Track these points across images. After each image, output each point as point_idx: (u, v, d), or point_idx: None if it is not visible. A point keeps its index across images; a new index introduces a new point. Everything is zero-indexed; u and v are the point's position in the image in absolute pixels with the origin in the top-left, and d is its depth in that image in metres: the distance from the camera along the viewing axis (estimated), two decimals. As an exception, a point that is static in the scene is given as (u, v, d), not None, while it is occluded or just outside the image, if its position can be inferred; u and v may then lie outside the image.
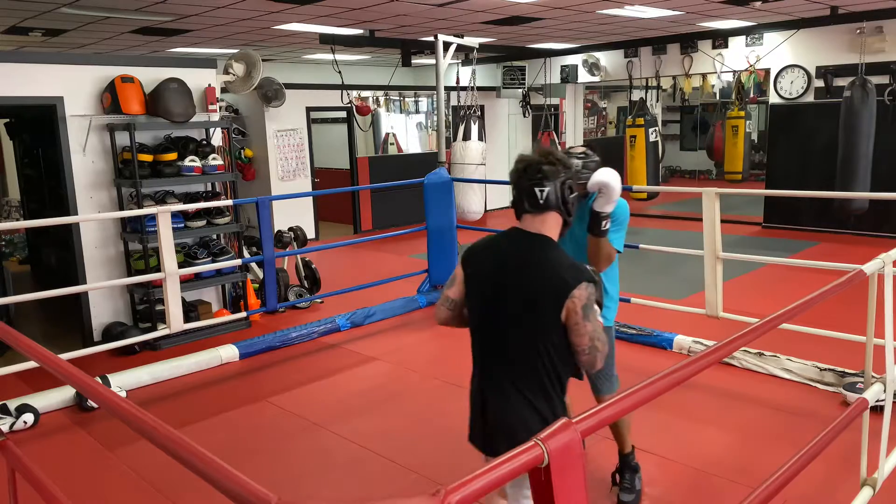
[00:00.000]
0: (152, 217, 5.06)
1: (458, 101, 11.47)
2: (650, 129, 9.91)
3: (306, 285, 6.80)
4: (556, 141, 11.31)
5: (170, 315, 4.82)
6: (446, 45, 6.98)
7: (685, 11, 8.19)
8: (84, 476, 3.63)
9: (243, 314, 5.91)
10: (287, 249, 6.74)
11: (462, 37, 7.80)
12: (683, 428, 3.93)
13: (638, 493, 3.23)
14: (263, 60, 7.34)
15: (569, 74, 11.82)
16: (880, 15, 8.39)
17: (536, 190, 2.16)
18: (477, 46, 7.73)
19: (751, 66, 9.95)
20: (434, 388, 4.66)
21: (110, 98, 5.26)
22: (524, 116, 12.81)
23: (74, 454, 3.87)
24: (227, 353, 5.21)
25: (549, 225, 2.20)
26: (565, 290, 2.06)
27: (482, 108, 9.88)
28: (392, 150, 12.46)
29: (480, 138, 7.91)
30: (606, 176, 2.72)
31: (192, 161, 5.55)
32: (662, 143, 10.90)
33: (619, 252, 2.96)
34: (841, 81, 8.72)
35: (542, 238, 2.18)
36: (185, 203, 5.58)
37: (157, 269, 5.13)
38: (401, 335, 5.85)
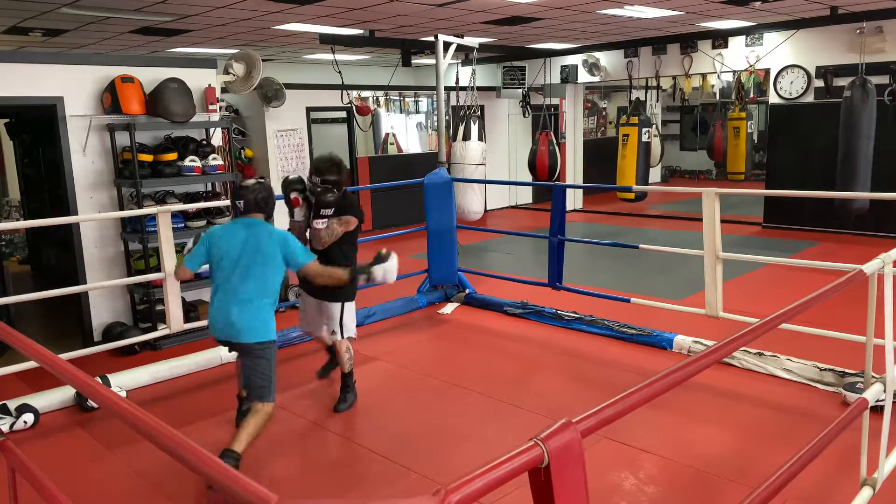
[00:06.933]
0: (152, 217, 5.06)
1: (458, 101, 11.46)
2: (643, 130, 9.89)
3: (306, 285, 6.80)
4: (554, 141, 11.31)
5: (170, 315, 4.82)
6: (446, 45, 6.98)
7: (685, 11, 8.19)
8: (84, 476, 3.63)
9: (243, 314, 5.90)
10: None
11: (462, 37, 7.80)
12: (683, 428, 3.93)
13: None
14: (263, 60, 7.34)
15: (569, 74, 11.82)
16: (880, 15, 8.39)
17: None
18: (477, 46, 7.73)
19: (751, 66, 9.95)
20: (434, 388, 4.66)
21: (110, 98, 5.26)
22: (524, 116, 12.80)
23: (74, 454, 3.87)
24: (227, 353, 5.20)
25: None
26: None
27: (482, 108, 9.88)
28: (392, 150, 12.46)
29: (480, 138, 7.92)
30: None
31: (192, 161, 5.55)
32: (662, 143, 10.89)
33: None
34: (841, 81, 8.72)
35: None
36: (185, 203, 5.58)
37: (157, 269, 5.14)
38: (401, 335, 5.85)
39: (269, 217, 3.66)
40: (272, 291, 3.54)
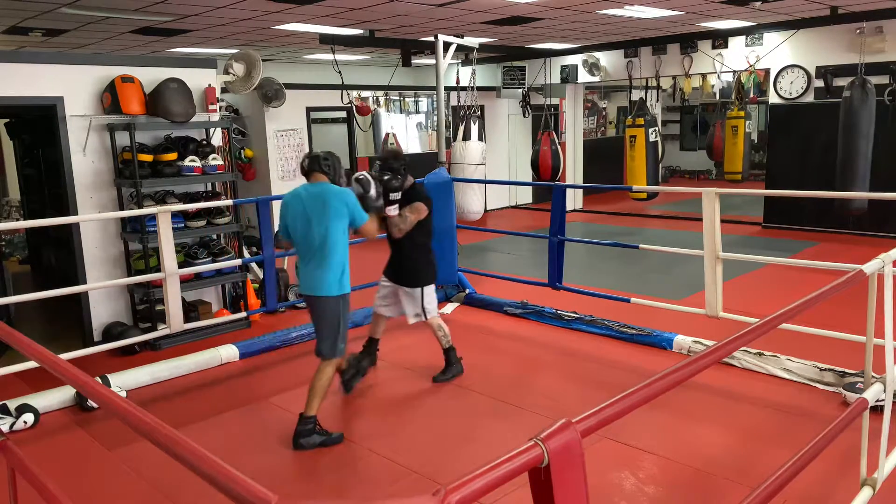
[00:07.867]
0: (152, 217, 5.06)
1: (458, 101, 11.46)
2: (650, 130, 9.90)
3: (306, 285, 6.80)
4: (556, 140, 11.31)
5: (170, 315, 4.82)
6: (446, 45, 6.98)
7: (685, 11, 8.19)
8: (84, 476, 3.63)
9: (243, 314, 5.91)
10: (287, 249, 6.73)
11: (462, 37, 7.80)
12: (683, 428, 3.93)
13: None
14: (263, 60, 7.34)
15: (569, 74, 11.82)
16: (880, 15, 8.38)
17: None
18: (477, 46, 7.73)
19: (751, 66, 9.95)
20: (434, 388, 4.67)
21: (110, 98, 5.26)
22: (524, 116, 12.80)
23: (74, 454, 3.87)
24: (227, 353, 5.21)
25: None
26: None
27: (482, 108, 9.88)
28: (392, 151, 12.44)
29: (480, 138, 7.91)
30: None
31: (192, 161, 5.55)
32: (662, 143, 10.89)
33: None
34: (841, 81, 8.72)
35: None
36: (185, 203, 5.58)
37: (157, 269, 5.14)
38: (401, 335, 5.84)
39: (333, 183, 3.87)
40: (339, 248, 3.77)
